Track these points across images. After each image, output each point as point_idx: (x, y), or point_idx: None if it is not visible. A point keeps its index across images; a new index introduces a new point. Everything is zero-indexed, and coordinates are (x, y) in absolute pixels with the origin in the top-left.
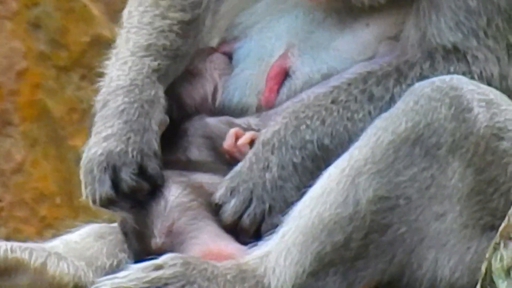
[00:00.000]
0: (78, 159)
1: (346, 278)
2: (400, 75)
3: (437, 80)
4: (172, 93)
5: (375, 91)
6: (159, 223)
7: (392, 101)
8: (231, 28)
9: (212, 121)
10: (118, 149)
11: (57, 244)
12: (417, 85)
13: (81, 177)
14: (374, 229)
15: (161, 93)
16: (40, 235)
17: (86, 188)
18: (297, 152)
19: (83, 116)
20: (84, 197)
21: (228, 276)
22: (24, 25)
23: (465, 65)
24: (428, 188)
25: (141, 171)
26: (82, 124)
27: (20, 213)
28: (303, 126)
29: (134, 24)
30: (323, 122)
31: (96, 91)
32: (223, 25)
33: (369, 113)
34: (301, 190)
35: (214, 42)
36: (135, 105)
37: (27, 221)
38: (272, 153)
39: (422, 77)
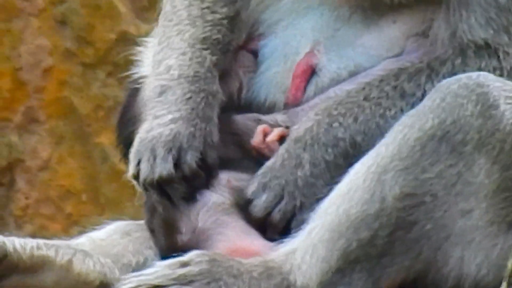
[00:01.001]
0: (104, 156)
1: (372, 275)
2: (432, 72)
3: (463, 77)
4: None
5: (407, 87)
6: (187, 219)
7: (423, 98)
8: (256, 25)
9: (239, 118)
10: (187, 131)
11: (83, 241)
12: (444, 82)
13: (133, 155)
14: (400, 226)
15: (219, 88)
16: (66, 233)
17: (140, 164)
18: (329, 150)
19: (109, 114)
20: (131, 173)
21: (254, 273)
22: (51, 22)
23: (496, 61)
24: (454, 185)
25: (202, 159)
26: (108, 122)
27: (46, 211)
28: (336, 124)
29: (184, 16)
30: (355, 119)
31: (122, 88)
32: (249, 22)
33: (401, 110)
34: (332, 187)
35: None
36: (201, 94)
37: (53, 218)
38: (304, 150)
39: (453, 73)
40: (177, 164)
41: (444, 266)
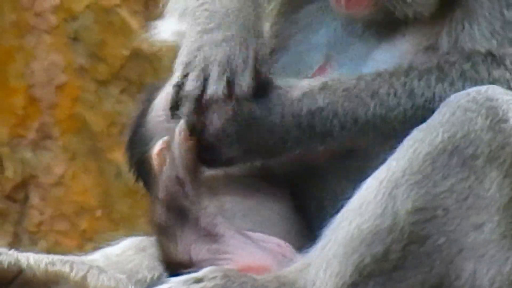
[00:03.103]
0: (118, 172)
1: None
2: (441, 73)
3: (472, 91)
4: None
5: (416, 86)
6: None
7: (432, 101)
8: (269, 38)
9: None
10: (242, 54)
11: (98, 257)
12: (453, 96)
13: (180, 66)
14: (412, 240)
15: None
16: (80, 249)
17: (188, 77)
18: (318, 139)
19: (122, 130)
20: (174, 82)
21: None
22: (63, 39)
23: (504, 70)
24: (466, 199)
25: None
26: (121, 138)
27: (60, 227)
28: (335, 121)
29: None
30: (355, 121)
31: (135, 104)
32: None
33: (405, 111)
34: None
35: None
36: (250, 7)
37: (67, 234)
38: (298, 127)
39: (464, 78)
40: (229, 86)
41: (457, 280)
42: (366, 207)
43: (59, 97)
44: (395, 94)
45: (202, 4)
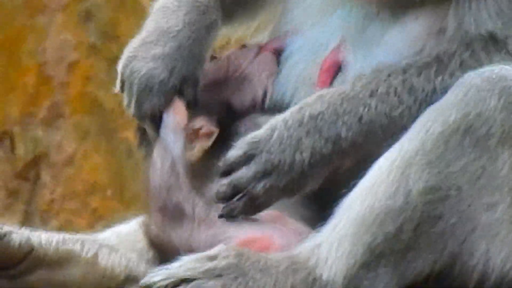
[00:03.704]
0: (129, 151)
1: (397, 269)
2: (440, 65)
3: (486, 71)
4: (221, 99)
5: (416, 82)
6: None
7: (434, 93)
8: (282, 23)
9: (263, 120)
10: (161, 76)
11: (109, 235)
12: (467, 75)
13: (119, 76)
14: (425, 220)
15: (219, 20)
16: (91, 228)
17: (123, 91)
18: (329, 145)
19: None
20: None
21: (281, 268)
22: (75, 18)
23: (505, 54)
24: (479, 179)
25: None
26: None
27: (71, 205)
28: (340, 122)
29: None
30: (360, 119)
31: None
32: (275, 20)
33: (409, 108)
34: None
35: (263, 38)
36: (194, 27)
37: (78, 213)
38: (307, 135)
39: (464, 67)
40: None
41: (469, 260)
42: (378, 186)
43: (71, 75)
44: (395, 92)
45: (156, 12)
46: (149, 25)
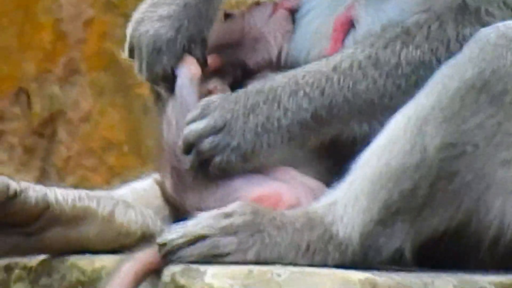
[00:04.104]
0: (146, 107)
1: (414, 226)
2: (408, 37)
3: (501, 26)
4: (235, 60)
5: (381, 55)
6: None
7: (399, 65)
8: None
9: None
10: (168, 35)
11: (125, 192)
12: (482, 31)
13: (128, 39)
14: (441, 177)
15: None
16: (108, 184)
17: (133, 54)
18: (289, 114)
19: None
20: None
21: (297, 224)
22: None
23: (477, 24)
24: (495, 135)
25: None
26: None
27: (87, 162)
28: (301, 93)
29: None
30: (322, 92)
31: None
32: None
33: (374, 81)
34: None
35: None
36: None
37: (95, 170)
38: (264, 103)
39: (431, 40)
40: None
41: (485, 216)
42: (394, 143)
43: (87, 32)
44: (359, 66)
45: None
46: None
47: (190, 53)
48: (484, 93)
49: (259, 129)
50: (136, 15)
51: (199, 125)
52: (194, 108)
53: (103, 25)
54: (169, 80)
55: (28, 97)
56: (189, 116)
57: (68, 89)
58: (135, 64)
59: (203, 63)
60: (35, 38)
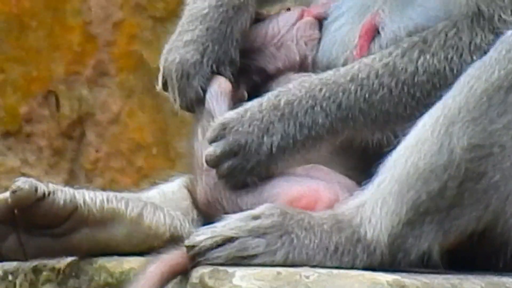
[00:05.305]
0: (174, 109)
1: (442, 227)
2: (425, 45)
3: None
4: (256, 66)
5: (398, 63)
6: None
7: (415, 74)
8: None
9: (296, 77)
10: (194, 59)
11: (154, 194)
12: (509, 32)
13: (161, 69)
14: (469, 177)
15: (251, 0)
16: (136, 186)
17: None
18: (304, 131)
19: None
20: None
21: (325, 226)
22: None
23: (490, 32)
24: None
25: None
26: None
27: (116, 164)
28: (318, 108)
29: None
30: (339, 106)
31: None
32: None
33: (390, 91)
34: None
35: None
36: (220, 9)
37: (124, 171)
38: (279, 120)
39: (447, 47)
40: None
41: None
42: (422, 144)
43: (116, 34)
44: (376, 75)
45: (188, 3)
46: (183, 15)
47: (220, 74)
48: (511, 94)
49: (273, 149)
50: (166, 46)
51: (217, 149)
52: (211, 128)
53: (132, 27)
54: (203, 103)
55: (57, 99)
56: (208, 134)
57: (97, 91)
58: (170, 95)
59: (234, 84)
60: (64, 40)
